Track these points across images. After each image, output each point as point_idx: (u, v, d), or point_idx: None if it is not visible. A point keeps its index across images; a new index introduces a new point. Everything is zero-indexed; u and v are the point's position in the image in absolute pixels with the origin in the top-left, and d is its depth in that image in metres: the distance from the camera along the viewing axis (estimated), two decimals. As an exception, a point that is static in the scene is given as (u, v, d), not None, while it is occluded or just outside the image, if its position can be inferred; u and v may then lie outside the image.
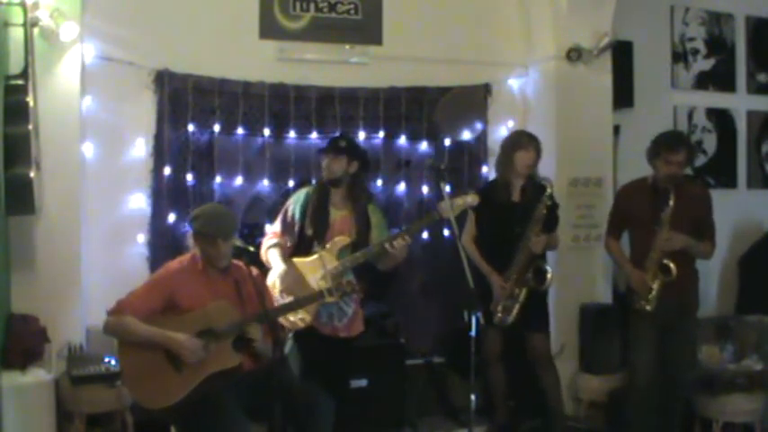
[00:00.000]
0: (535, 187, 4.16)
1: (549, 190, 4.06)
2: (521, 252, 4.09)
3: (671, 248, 3.92)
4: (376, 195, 4.71)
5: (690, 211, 3.95)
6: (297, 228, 3.85)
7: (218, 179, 4.64)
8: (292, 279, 3.71)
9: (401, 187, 5.04)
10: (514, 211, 4.16)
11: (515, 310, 4.11)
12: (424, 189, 5.04)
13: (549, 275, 4.08)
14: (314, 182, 4.19)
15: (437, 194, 3.69)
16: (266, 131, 4.72)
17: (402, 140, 5.05)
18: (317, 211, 3.82)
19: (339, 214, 3.85)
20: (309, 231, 3.80)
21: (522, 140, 4.21)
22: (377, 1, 5.04)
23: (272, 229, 3.94)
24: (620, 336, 4.58)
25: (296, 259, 3.81)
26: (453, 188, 4.83)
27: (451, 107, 5.06)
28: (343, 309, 3.78)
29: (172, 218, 4.53)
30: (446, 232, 4.96)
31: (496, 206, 4.18)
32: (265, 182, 4.74)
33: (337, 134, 4.41)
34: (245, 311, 3.31)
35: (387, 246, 3.66)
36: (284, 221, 3.91)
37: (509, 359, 4.36)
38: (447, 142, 5.11)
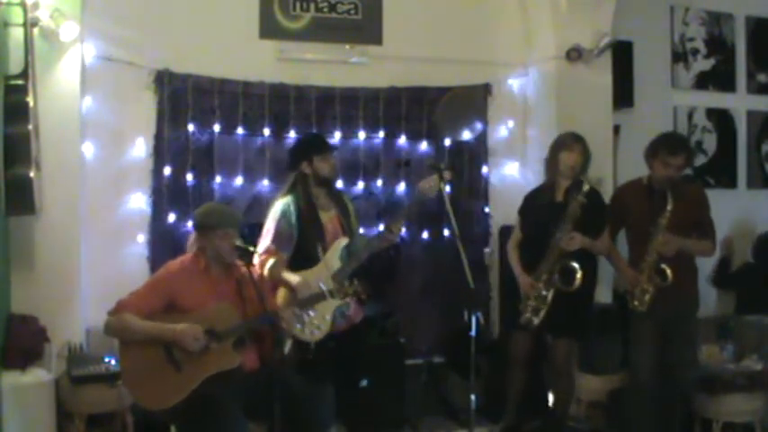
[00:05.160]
0: (578, 186, 4.01)
1: (585, 187, 3.92)
2: (550, 251, 3.93)
3: (668, 252, 3.91)
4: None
5: (687, 213, 3.94)
6: (295, 239, 3.74)
7: (218, 179, 4.65)
8: (310, 290, 3.59)
9: (401, 187, 5.04)
10: (556, 211, 3.99)
11: (542, 313, 3.95)
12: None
13: (578, 275, 3.86)
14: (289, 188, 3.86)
15: (437, 193, 3.68)
16: (266, 132, 4.73)
17: (402, 140, 5.05)
18: (311, 218, 3.76)
19: (327, 216, 3.82)
20: (309, 240, 3.73)
21: (566, 141, 4.13)
22: (377, 1, 5.04)
23: (264, 249, 3.67)
24: (621, 336, 4.57)
25: (303, 273, 3.66)
26: (454, 188, 4.83)
27: (451, 107, 5.06)
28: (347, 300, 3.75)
29: (172, 218, 4.54)
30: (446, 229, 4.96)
31: (539, 207, 4.12)
32: (265, 182, 4.74)
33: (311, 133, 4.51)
34: (246, 312, 3.31)
35: (387, 235, 3.68)
36: (277, 237, 3.70)
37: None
38: (447, 142, 5.11)
